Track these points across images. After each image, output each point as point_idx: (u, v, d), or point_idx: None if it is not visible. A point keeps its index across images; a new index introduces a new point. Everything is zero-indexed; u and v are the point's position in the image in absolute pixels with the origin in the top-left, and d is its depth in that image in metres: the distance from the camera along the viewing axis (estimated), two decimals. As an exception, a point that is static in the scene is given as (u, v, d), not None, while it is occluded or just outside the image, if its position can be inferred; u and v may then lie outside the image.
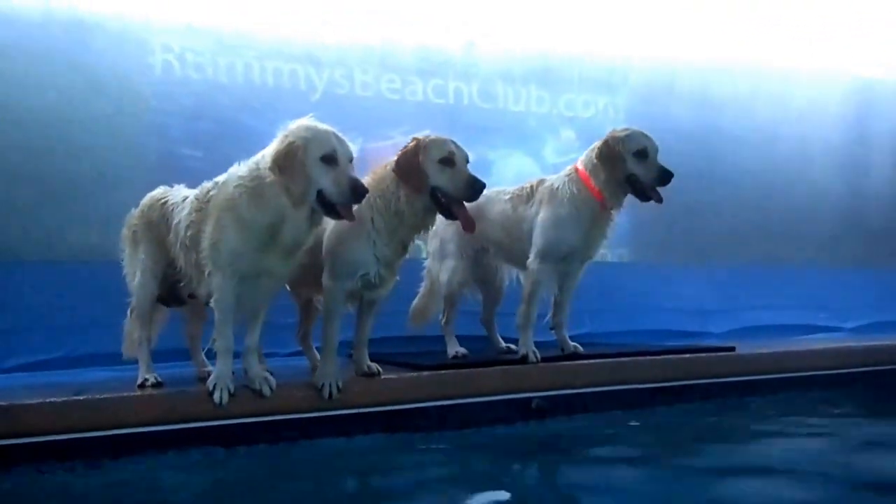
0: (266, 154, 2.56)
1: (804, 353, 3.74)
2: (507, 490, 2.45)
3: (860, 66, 5.80)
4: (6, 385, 2.98)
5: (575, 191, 3.27)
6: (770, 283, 5.11)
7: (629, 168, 3.21)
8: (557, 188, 3.32)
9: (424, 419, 2.84)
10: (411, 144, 2.75)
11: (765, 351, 3.68)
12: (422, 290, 3.71)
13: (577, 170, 3.34)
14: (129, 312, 2.94)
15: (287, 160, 2.48)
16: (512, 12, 4.98)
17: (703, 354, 3.54)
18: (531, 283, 3.33)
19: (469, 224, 2.79)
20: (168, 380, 2.81)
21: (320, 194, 2.50)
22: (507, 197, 3.51)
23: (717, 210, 5.26)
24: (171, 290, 2.86)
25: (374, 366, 2.90)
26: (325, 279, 2.79)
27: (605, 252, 5.39)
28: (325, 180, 2.49)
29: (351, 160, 2.58)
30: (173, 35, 4.20)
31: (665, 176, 3.20)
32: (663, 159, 4.93)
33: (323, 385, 2.72)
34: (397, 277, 2.87)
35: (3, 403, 2.39)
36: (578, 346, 3.49)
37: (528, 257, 3.36)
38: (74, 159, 3.72)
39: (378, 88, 4.83)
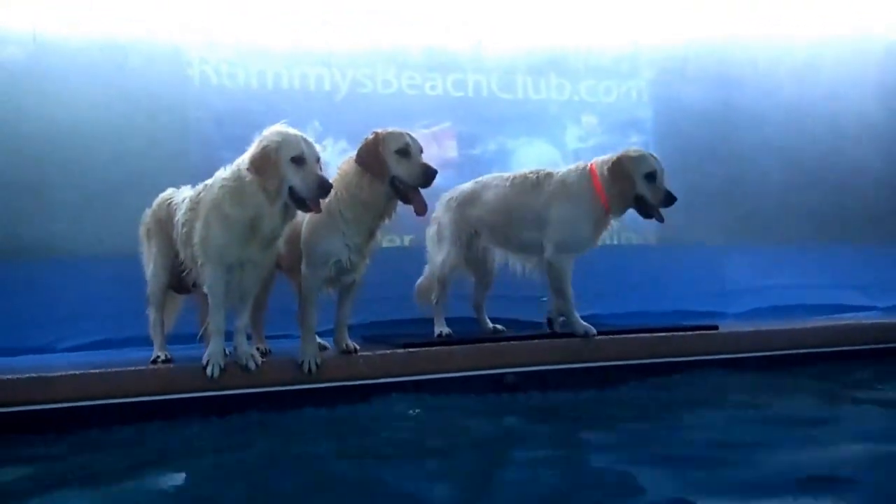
0: (245, 157, 2.90)
1: (787, 331, 3.73)
2: (474, 455, 2.67)
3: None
4: (59, 363, 3.47)
5: (589, 193, 3.50)
6: (798, 263, 5.01)
7: (638, 189, 3.42)
8: (571, 185, 3.53)
9: (398, 392, 3.12)
10: (371, 137, 3.02)
11: (746, 329, 3.69)
12: (425, 272, 3.96)
13: (591, 169, 3.54)
14: (147, 299, 3.38)
15: (262, 161, 2.81)
16: (525, 7, 5.11)
17: (680, 333, 3.60)
18: (557, 273, 3.50)
19: (422, 208, 3.03)
20: (186, 360, 3.21)
21: (292, 190, 2.82)
22: (508, 182, 3.69)
23: (742, 190, 5.18)
24: (179, 280, 3.26)
25: (352, 344, 3.22)
26: (303, 267, 3.11)
27: (630, 235, 5.48)
28: (295, 178, 2.80)
29: (318, 160, 2.89)
30: (208, 49, 4.62)
31: (669, 199, 3.43)
32: (687, 140, 4.97)
33: (303, 362, 3.05)
34: (368, 261, 3.16)
35: (33, 375, 2.87)
36: (499, 327, 3.80)
37: (524, 241, 3.58)
38: (116, 167, 4.19)
39: (399, 85, 5.09)
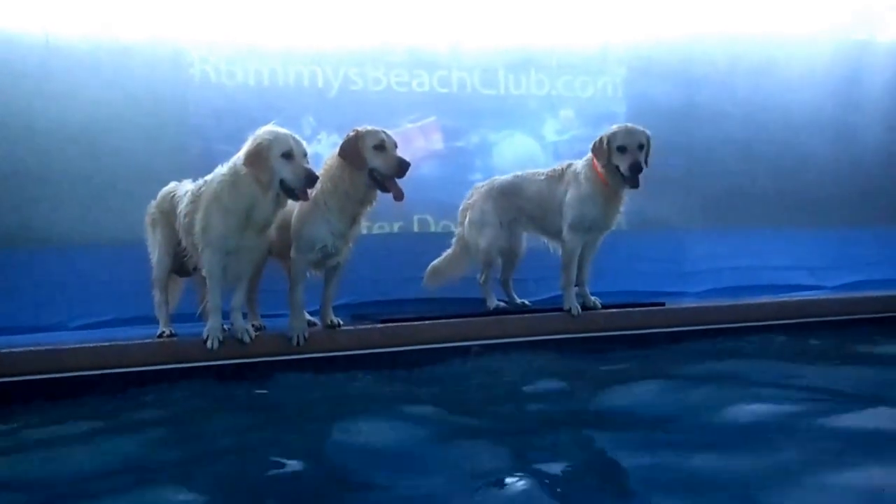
0: (240, 154, 3.26)
1: (722, 307, 4.19)
2: (439, 413, 3.02)
3: (846, 28, 5.83)
4: (71, 338, 3.84)
5: (590, 175, 3.90)
6: (753, 246, 5.36)
7: (613, 159, 3.80)
8: (579, 172, 3.96)
9: (376, 362, 3.50)
10: (352, 134, 3.38)
11: (687, 306, 4.08)
12: (448, 253, 4.30)
13: (593, 157, 3.94)
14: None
15: (256, 157, 3.18)
16: (506, 8, 5.45)
17: (627, 309, 4.01)
18: (567, 252, 3.99)
19: (399, 195, 3.38)
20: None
21: (282, 182, 3.18)
22: (543, 178, 4.14)
23: (704, 179, 5.53)
24: (181, 264, 3.64)
25: (336, 319, 3.62)
26: (293, 253, 3.48)
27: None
28: (285, 171, 3.17)
29: (305, 155, 3.24)
30: (208, 50, 4.92)
31: (634, 167, 3.76)
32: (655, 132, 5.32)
33: (293, 335, 3.44)
34: (351, 246, 3.53)
35: (52, 348, 3.26)
36: (526, 302, 4.14)
37: (557, 227, 4.01)
38: (122, 160, 4.51)
39: (387, 82, 5.41)
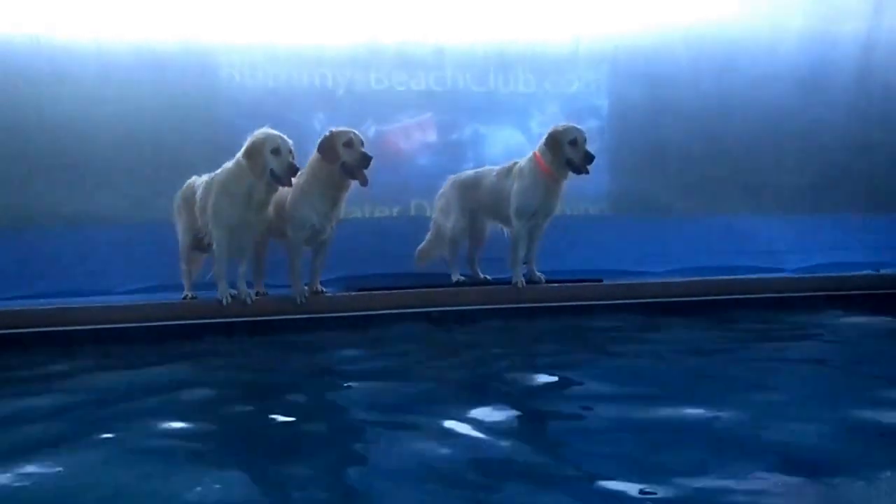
0: (241, 150, 4.06)
1: (649, 285, 4.84)
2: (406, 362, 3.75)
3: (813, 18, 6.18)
4: (121, 300, 4.70)
5: (532, 169, 4.53)
6: (717, 231, 5.82)
7: (566, 152, 4.38)
8: (523, 167, 4.62)
9: (355, 322, 4.28)
10: (327, 135, 4.13)
11: (622, 282, 4.72)
12: (428, 236, 5.03)
13: (535, 154, 4.59)
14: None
15: (252, 152, 3.99)
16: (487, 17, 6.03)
17: (565, 284, 4.69)
18: (514, 236, 4.66)
19: (364, 182, 4.10)
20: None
21: (272, 172, 3.96)
22: (494, 174, 4.81)
23: (674, 167, 6.03)
24: (200, 241, 4.46)
25: (322, 288, 4.40)
26: (289, 231, 4.27)
27: (588, 206, 6.45)
28: (274, 164, 3.95)
29: (290, 151, 4.01)
30: (233, 55, 5.70)
31: (589, 158, 4.40)
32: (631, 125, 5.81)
33: (296, 297, 4.26)
34: (334, 224, 4.28)
35: (96, 305, 4.15)
36: (488, 277, 4.83)
37: (507, 215, 4.65)
38: (161, 151, 5.30)
39: (389, 82, 6.10)
